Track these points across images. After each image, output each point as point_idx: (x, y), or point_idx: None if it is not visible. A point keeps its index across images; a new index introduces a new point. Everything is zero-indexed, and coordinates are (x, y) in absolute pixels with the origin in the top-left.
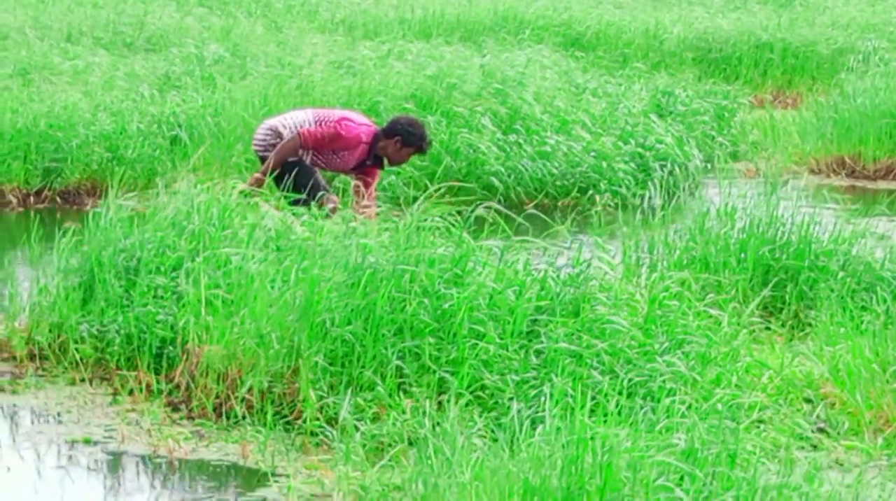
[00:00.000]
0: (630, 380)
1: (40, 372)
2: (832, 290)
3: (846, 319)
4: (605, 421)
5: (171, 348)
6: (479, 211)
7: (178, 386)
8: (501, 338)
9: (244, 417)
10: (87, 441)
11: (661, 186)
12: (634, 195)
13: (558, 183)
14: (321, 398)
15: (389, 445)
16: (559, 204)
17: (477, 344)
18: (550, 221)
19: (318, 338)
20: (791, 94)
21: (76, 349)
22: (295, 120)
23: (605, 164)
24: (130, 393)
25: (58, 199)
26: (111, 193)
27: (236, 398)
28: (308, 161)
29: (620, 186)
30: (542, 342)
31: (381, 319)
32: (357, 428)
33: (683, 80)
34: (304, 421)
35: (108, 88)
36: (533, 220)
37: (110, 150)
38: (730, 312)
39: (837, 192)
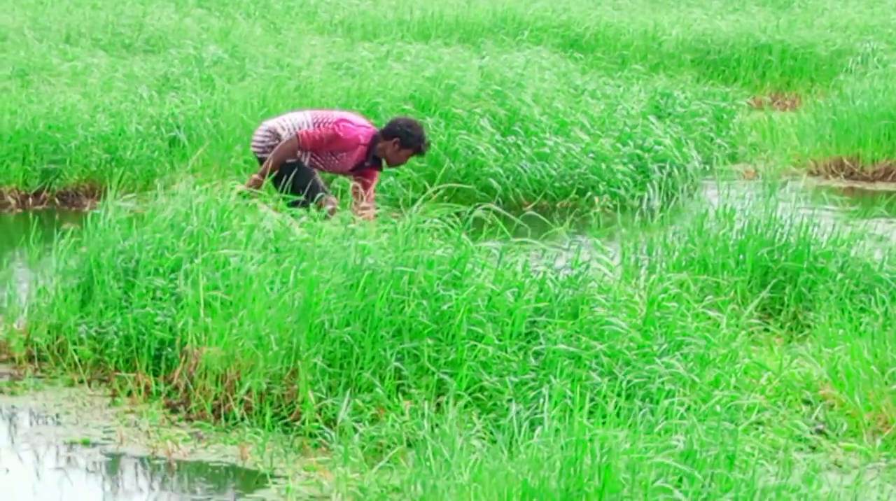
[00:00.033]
0: (629, 382)
1: (39, 373)
2: (831, 292)
3: (845, 321)
4: (603, 423)
5: (169, 349)
6: (478, 212)
7: (176, 388)
8: (500, 340)
9: (243, 418)
10: (85, 443)
11: (660, 188)
12: (633, 196)
13: (557, 184)
14: (320, 399)
15: (388, 446)
16: (558, 205)
17: (476, 346)
18: (549, 223)
19: (316, 340)
20: (790, 96)
21: (75, 350)
22: (293, 121)
23: (603, 166)
24: (129, 394)
25: (56, 201)
26: (110, 194)
27: (235, 399)
28: (307, 162)
29: (619, 188)
30: (540, 343)
31: (379, 320)
32: (356, 430)
33: (682, 82)
34: (303, 423)
35: (107, 89)
36: (532, 222)
37: (109, 152)
38: (728, 314)
39: (836, 194)
